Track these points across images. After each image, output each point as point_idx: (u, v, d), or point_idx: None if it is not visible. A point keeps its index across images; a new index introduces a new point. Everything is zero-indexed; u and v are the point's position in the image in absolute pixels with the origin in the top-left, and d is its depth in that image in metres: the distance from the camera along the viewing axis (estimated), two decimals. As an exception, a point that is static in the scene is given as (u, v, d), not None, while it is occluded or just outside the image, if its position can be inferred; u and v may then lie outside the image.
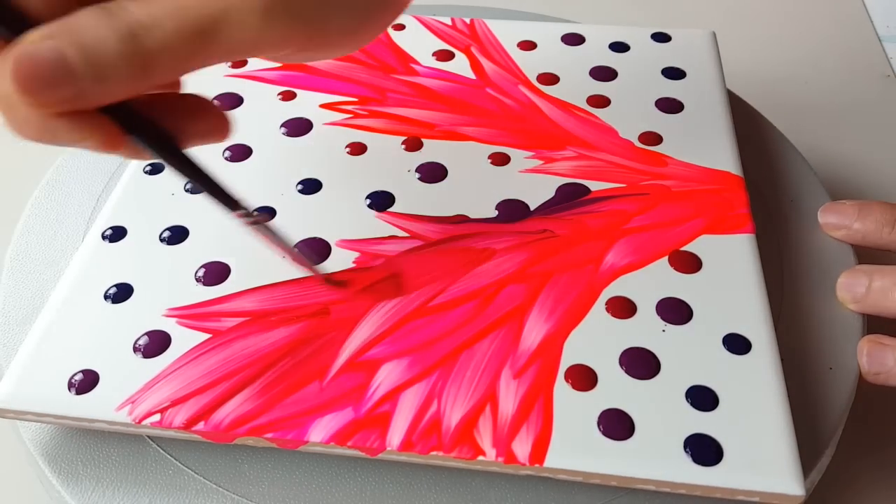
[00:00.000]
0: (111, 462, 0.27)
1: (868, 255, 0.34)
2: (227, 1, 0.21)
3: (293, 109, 0.38)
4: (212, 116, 0.23)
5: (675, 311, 0.29)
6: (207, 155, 0.35)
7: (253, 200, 0.33)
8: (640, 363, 0.27)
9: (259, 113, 0.38)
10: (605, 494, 0.26)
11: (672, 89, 0.38)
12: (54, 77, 0.19)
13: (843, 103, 0.46)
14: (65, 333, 0.28)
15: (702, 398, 0.26)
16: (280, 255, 0.27)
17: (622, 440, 0.25)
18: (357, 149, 0.36)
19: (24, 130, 0.21)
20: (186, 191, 0.34)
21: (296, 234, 0.32)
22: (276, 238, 0.27)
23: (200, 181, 0.24)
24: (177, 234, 0.32)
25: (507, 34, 0.42)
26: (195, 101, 0.23)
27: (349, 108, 0.38)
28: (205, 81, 0.39)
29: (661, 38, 0.42)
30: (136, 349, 0.28)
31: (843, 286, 0.31)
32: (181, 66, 0.21)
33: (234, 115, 0.38)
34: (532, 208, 0.33)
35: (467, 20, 0.43)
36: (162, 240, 0.32)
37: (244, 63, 0.40)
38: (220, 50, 0.21)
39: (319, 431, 0.26)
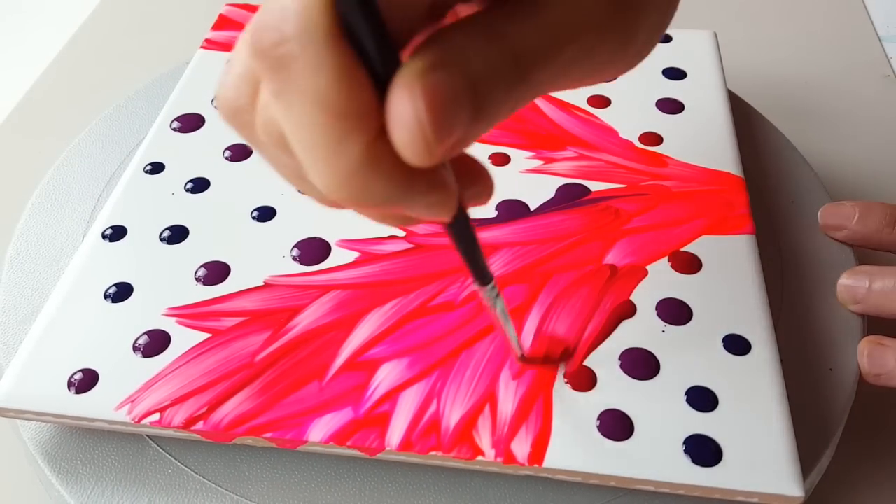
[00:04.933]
0: (111, 461, 0.27)
1: (868, 255, 0.34)
2: (588, 12, 0.18)
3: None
4: (484, 181, 0.20)
5: (675, 312, 0.29)
6: (207, 155, 0.35)
7: (253, 200, 0.33)
8: (640, 363, 0.27)
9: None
10: (604, 495, 0.26)
11: (673, 90, 0.38)
12: (454, 113, 0.16)
13: (843, 103, 0.46)
14: (65, 333, 0.28)
15: (701, 399, 0.26)
16: (504, 330, 0.26)
17: (621, 441, 0.25)
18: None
19: (374, 189, 0.17)
20: (187, 190, 0.34)
21: (296, 234, 0.32)
22: (505, 315, 0.26)
23: (473, 250, 0.22)
24: (177, 234, 0.32)
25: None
26: (473, 163, 0.20)
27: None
28: (205, 81, 0.39)
29: (661, 38, 0.41)
30: (135, 348, 0.28)
31: (844, 287, 0.31)
32: (543, 91, 0.19)
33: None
34: (532, 208, 0.33)
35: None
36: (162, 239, 0.32)
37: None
38: (581, 71, 0.19)
39: (319, 431, 0.26)
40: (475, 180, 0.20)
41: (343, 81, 0.16)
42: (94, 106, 0.44)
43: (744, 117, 0.39)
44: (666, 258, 0.31)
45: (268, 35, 0.16)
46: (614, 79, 0.21)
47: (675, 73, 0.39)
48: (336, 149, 0.16)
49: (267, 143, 0.19)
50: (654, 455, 0.25)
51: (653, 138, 0.36)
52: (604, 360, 0.27)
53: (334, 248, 0.31)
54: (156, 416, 0.26)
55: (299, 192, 0.20)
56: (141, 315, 0.29)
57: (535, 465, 0.25)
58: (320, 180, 0.17)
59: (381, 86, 0.16)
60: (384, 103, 0.16)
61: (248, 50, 0.16)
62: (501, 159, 0.35)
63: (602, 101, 0.38)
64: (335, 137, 0.16)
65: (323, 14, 0.15)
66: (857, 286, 0.31)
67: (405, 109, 0.16)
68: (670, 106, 0.37)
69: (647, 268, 0.30)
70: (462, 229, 0.21)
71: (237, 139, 0.36)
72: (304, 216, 0.33)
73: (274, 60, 0.16)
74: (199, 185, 0.34)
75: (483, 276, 0.23)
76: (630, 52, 0.20)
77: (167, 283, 0.30)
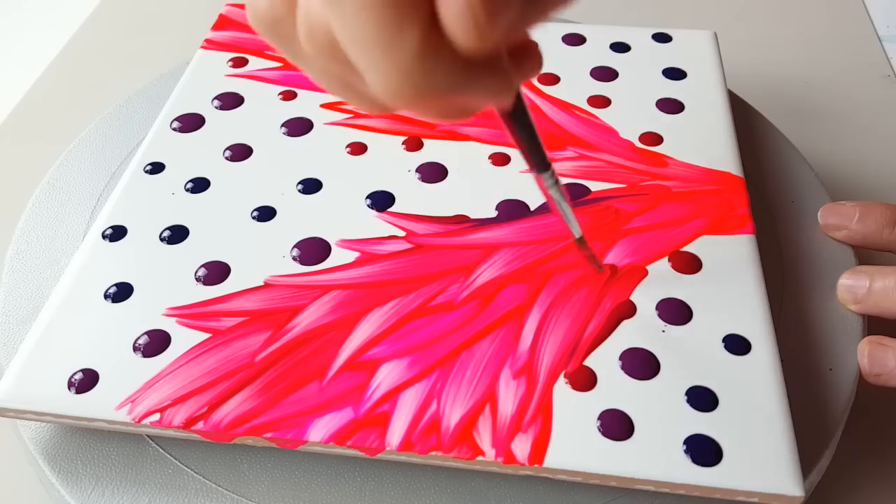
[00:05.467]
0: (111, 461, 0.27)
1: (868, 255, 0.34)
2: None
3: (293, 109, 0.38)
4: (535, 54, 0.19)
5: (675, 312, 0.29)
6: (208, 156, 0.35)
7: (253, 200, 0.33)
8: (640, 363, 0.27)
9: (259, 113, 0.38)
10: (604, 495, 0.26)
11: (673, 90, 0.38)
12: None
13: (843, 103, 0.46)
14: (65, 333, 0.28)
15: (701, 398, 0.26)
16: (564, 213, 0.26)
17: (622, 440, 0.25)
18: (357, 149, 0.36)
19: (436, 79, 0.16)
20: (187, 190, 0.34)
21: (296, 234, 0.32)
22: (563, 198, 0.26)
23: (533, 136, 0.22)
24: (177, 234, 0.32)
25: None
26: (523, 38, 0.19)
27: (350, 107, 0.38)
28: (205, 81, 0.39)
29: (661, 38, 0.42)
30: (135, 348, 0.28)
31: (844, 287, 0.31)
32: None
33: (234, 115, 0.38)
34: (532, 208, 0.33)
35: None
36: (162, 239, 0.32)
37: (245, 63, 0.40)
38: None
39: (319, 431, 0.26)
40: (526, 56, 0.19)
41: None
42: (94, 106, 0.44)
43: (744, 117, 0.39)
44: (666, 258, 0.31)
45: None
46: None
47: (675, 73, 0.39)
48: (394, 40, 0.16)
49: (312, 53, 0.18)
50: (654, 455, 0.25)
51: (653, 138, 0.36)
52: (604, 360, 0.27)
53: (334, 248, 0.31)
54: (156, 416, 0.26)
55: (347, 104, 0.20)
56: (141, 315, 0.29)
57: (536, 465, 0.25)
58: (381, 78, 0.16)
59: None
60: None
61: None
62: (501, 159, 0.35)
63: (602, 101, 0.38)
64: (392, 27, 0.15)
65: None
66: (857, 286, 0.31)
67: None
68: (670, 106, 0.37)
69: (647, 268, 0.30)
70: (521, 113, 0.21)
71: (237, 139, 0.36)
72: (304, 216, 0.33)
73: None
74: (199, 185, 0.34)
75: (543, 163, 0.23)
76: None
77: (167, 283, 0.30)
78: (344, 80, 0.18)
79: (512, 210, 0.33)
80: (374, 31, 0.16)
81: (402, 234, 0.32)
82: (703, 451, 0.25)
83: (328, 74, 0.19)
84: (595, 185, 0.34)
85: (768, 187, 0.36)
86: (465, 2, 0.15)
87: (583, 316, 0.29)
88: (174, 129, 0.37)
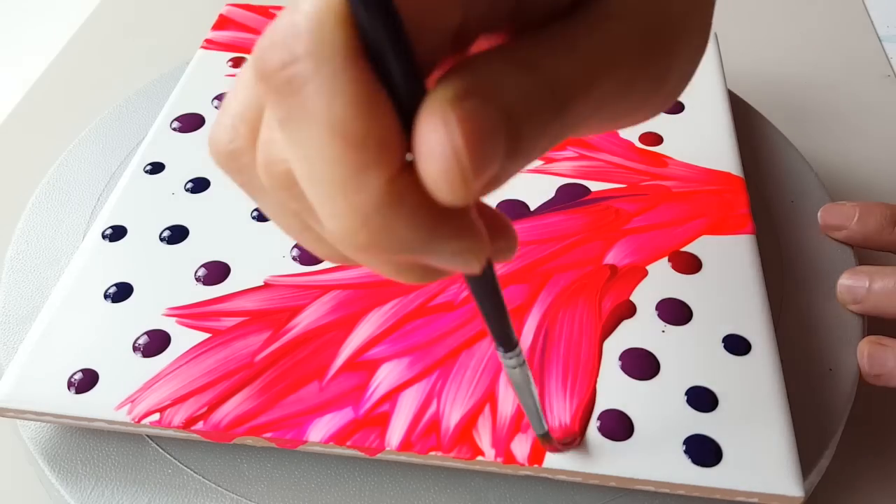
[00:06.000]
0: (111, 461, 0.27)
1: (868, 255, 0.34)
2: (622, 46, 0.17)
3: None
4: (509, 235, 0.18)
5: (675, 312, 0.29)
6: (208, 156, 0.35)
7: (253, 201, 0.33)
8: (640, 364, 0.27)
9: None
10: (604, 495, 0.26)
11: (672, 89, 0.38)
12: (491, 147, 0.14)
13: (843, 103, 0.46)
14: (64, 333, 0.28)
15: (701, 399, 0.26)
16: (526, 403, 0.23)
17: (621, 440, 0.25)
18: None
19: (395, 232, 0.15)
20: (187, 190, 0.34)
21: (296, 234, 0.32)
22: (530, 387, 0.23)
23: (498, 311, 0.20)
24: (177, 234, 0.32)
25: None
26: (497, 216, 0.18)
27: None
28: (205, 81, 0.39)
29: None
30: (135, 348, 0.28)
31: (844, 287, 0.31)
32: (576, 132, 0.17)
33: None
34: (532, 208, 0.33)
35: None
36: (162, 239, 0.32)
37: (245, 62, 0.40)
38: (617, 108, 0.18)
39: (318, 431, 0.26)
40: (500, 234, 0.18)
41: (362, 106, 0.14)
42: (94, 106, 0.44)
43: (744, 117, 0.39)
44: (666, 258, 0.31)
45: (276, 54, 0.14)
46: (645, 120, 0.20)
47: (675, 73, 0.39)
48: (354, 183, 0.14)
49: (269, 187, 0.17)
50: (654, 455, 0.25)
51: (653, 138, 0.36)
52: (604, 360, 0.27)
53: (334, 248, 0.31)
54: (156, 416, 0.26)
55: (307, 249, 0.18)
56: (141, 315, 0.29)
57: (535, 465, 0.25)
58: (335, 222, 0.15)
59: (404, 115, 0.14)
60: (410, 134, 0.14)
61: (253, 73, 0.15)
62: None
63: (602, 101, 0.38)
64: (353, 169, 0.14)
65: (340, 29, 0.14)
66: (857, 286, 0.31)
67: (439, 138, 0.14)
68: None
69: (647, 268, 0.30)
70: (489, 285, 0.19)
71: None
72: (304, 216, 0.33)
73: (283, 83, 0.14)
74: (199, 185, 0.34)
75: (508, 341, 0.21)
76: (663, 91, 0.19)
77: (167, 283, 0.30)
78: (301, 220, 0.17)
79: (512, 210, 0.33)
80: (332, 170, 0.14)
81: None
82: (703, 451, 0.25)
83: (285, 212, 0.18)
84: (595, 185, 0.34)
85: (768, 187, 0.36)
86: (450, 148, 0.14)
87: (583, 317, 0.29)
88: (174, 129, 0.37)
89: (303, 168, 0.15)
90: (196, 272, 0.31)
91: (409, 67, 0.14)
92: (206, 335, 0.28)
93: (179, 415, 0.26)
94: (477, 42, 0.17)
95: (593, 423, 0.26)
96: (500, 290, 0.19)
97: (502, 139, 0.14)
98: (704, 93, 0.38)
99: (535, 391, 0.23)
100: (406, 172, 0.14)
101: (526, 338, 0.28)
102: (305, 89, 0.14)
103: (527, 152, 0.15)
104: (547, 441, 0.24)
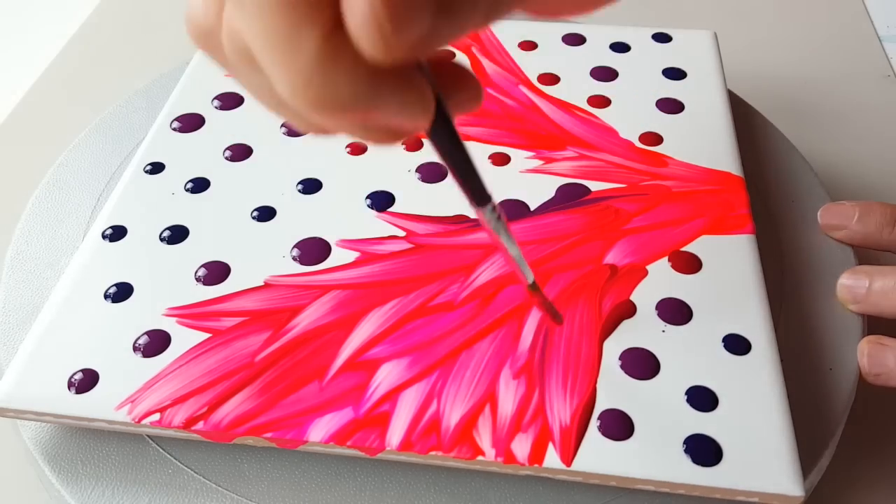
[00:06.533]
0: (111, 461, 0.27)
1: (868, 255, 0.34)
2: None
3: (293, 109, 0.38)
4: (471, 86, 0.19)
5: (675, 312, 0.29)
6: (208, 156, 0.35)
7: (253, 200, 0.33)
8: (640, 363, 0.27)
9: (259, 113, 0.37)
10: (604, 495, 0.26)
11: (673, 90, 0.38)
12: (415, 4, 0.14)
13: (843, 103, 0.46)
14: (65, 333, 0.28)
15: (701, 398, 0.26)
16: (507, 254, 0.23)
17: (622, 440, 0.25)
18: (357, 149, 0.36)
19: (337, 87, 0.15)
20: (187, 190, 0.34)
21: (296, 234, 0.32)
22: (509, 238, 0.23)
23: (464, 164, 0.20)
24: (177, 234, 0.32)
25: (507, 34, 0.42)
26: (457, 69, 0.19)
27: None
28: (205, 81, 0.39)
29: (661, 38, 0.42)
30: (135, 348, 0.28)
31: (844, 287, 0.31)
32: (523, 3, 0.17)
33: (234, 115, 0.38)
34: (532, 208, 0.33)
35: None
36: (162, 239, 0.32)
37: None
38: None
39: (319, 431, 0.26)
40: (460, 86, 0.18)
41: None
42: (94, 106, 0.44)
43: (744, 117, 0.39)
44: (666, 258, 0.31)
45: None
46: (592, 11, 0.20)
47: (675, 73, 0.39)
48: (291, 43, 0.15)
49: (234, 62, 0.17)
50: (654, 455, 0.25)
51: (653, 138, 0.36)
52: (604, 360, 0.27)
53: (334, 248, 0.31)
54: (156, 416, 0.26)
55: (281, 118, 0.19)
56: (141, 315, 0.29)
57: (535, 465, 0.25)
58: (282, 84, 0.16)
59: None
60: None
61: None
62: (501, 159, 0.35)
63: (602, 101, 0.38)
64: (288, 30, 0.15)
65: None
66: (857, 286, 0.31)
67: None
68: (670, 106, 0.37)
69: (647, 268, 0.30)
70: (447, 138, 0.19)
71: (237, 139, 0.36)
72: (304, 216, 0.33)
73: None
74: (199, 185, 0.34)
75: (480, 195, 0.21)
76: None
77: (167, 283, 0.30)
78: (268, 90, 0.17)
79: (512, 210, 0.33)
80: (271, 32, 0.15)
81: (402, 234, 0.32)
82: (703, 450, 0.25)
83: (254, 85, 0.18)
84: (595, 185, 0.34)
85: (768, 187, 0.36)
86: (369, 8, 0.14)
87: (583, 317, 0.29)
88: (174, 129, 0.37)
89: (248, 35, 0.16)
90: (196, 272, 0.31)
91: None
92: (207, 335, 0.28)
93: (179, 415, 0.26)
94: None
95: (593, 423, 0.26)
96: (464, 145, 0.19)
97: (421, 5, 0.14)
98: (704, 93, 0.38)
99: (514, 240, 0.23)
100: (341, 30, 0.15)
101: (526, 338, 0.28)
102: None
103: (459, 12, 0.15)
104: (535, 291, 0.25)
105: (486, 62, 0.40)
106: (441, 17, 0.15)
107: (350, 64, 0.15)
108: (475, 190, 0.21)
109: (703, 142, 0.35)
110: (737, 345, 0.28)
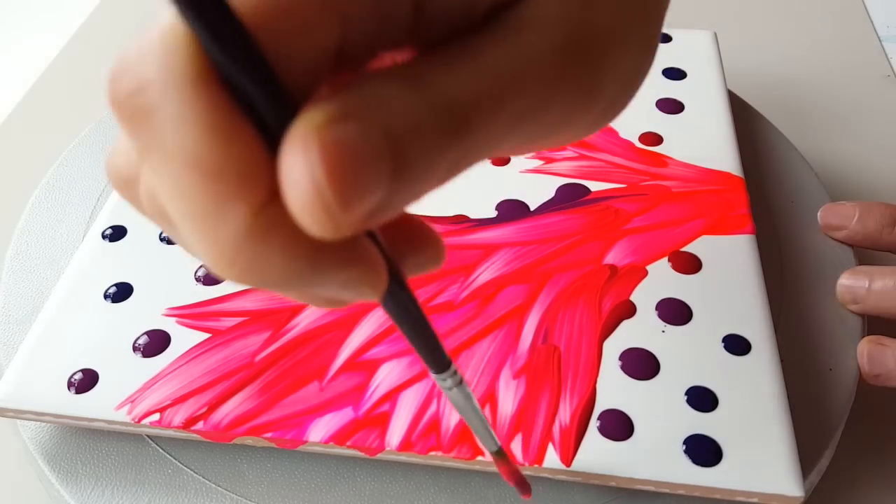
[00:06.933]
0: (110, 461, 0.27)
1: (868, 255, 0.34)
2: (537, 57, 0.15)
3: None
4: (430, 245, 0.17)
5: (675, 312, 0.29)
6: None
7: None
8: (640, 363, 0.27)
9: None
10: (604, 495, 0.26)
11: (673, 90, 0.38)
12: (367, 175, 0.13)
13: (843, 103, 0.46)
14: (64, 333, 0.28)
15: (701, 399, 0.26)
16: (472, 424, 0.21)
17: (621, 440, 0.25)
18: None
19: (268, 267, 0.13)
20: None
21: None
22: (472, 405, 0.21)
23: (419, 332, 0.18)
24: (177, 234, 0.32)
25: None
26: (413, 224, 0.17)
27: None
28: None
29: (661, 38, 0.41)
30: (135, 348, 0.28)
31: (844, 287, 0.31)
32: (488, 154, 0.16)
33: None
34: (532, 208, 0.33)
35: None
36: (162, 239, 0.32)
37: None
38: (534, 129, 0.16)
39: (318, 431, 0.26)
40: (420, 246, 0.16)
41: (216, 135, 0.13)
42: (94, 106, 0.44)
43: (744, 117, 0.39)
44: (666, 258, 0.31)
45: (125, 80, 0.13)
46: (581, 138, 0.19)
47: (675, 73, 0.39)
48: (214, 218, 0.13)
49: (153, 220, 0.16)
50: (654, 455, 0.25)
51: (653, 138, 0.36)
52: (604, 360, 0.27)
53: (334, 248, 0.31)
54: (156, 416, 0.26)
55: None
56: (141, 315, 0.29)
57: (536, 465, 0.25)
58: (206, 258, 0.14)
59: (274, 142, 0.13)
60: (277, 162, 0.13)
61: (107, 99, 0.14)
62: (501, 159, 0.35)
63: (602, 101, 0.38)
64: (211, 204, 0.13)
65: (187, 53, 0.13)
66: (857, 286, 0.31)
67: (299, 168, 0.12)
68: (670, 106, 0.37)
69: (647, 268, 0.30)
70: (402, 307, 0.17)
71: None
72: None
73: (133, 111, 0.13)
74: (199, 185, 0.34)
75: (438, 362, 0.19)
76: (593, 109, 0.17)
77: (167, 283, 0.30)
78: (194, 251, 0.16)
79: (512, 210, 0.33)
80: (191, 205, 0.13)
81: (402, 234, 0.32)
82: (703, 451, 0.25)
83: (177, 240, 0.16)
84: (595, 185, 0.34)
85: (768, 187, 0.36)
86: (309, 180, 0.12)
87: (583, 317, 0.29)
88: (174, 129, 0.37)
89: (165, 202, 0.14)
90: (196, 272, 0.31)
91: (270, 92, 0.13)
92: (206, 335, 0.28)
93: (179, 415, 0.26)
94: (378, 60, 0.15)
95: (593, 423, 0.26)
96: (421, 310, 0.17)
97: (382, 166, 0.13)
98: (704, 93, 0.38)
99: (479, 408, 0.21)
100: (277, 202, 0.13)
101: (526, 338, 0.28)
102: (155, 118, 0.13)
103: (421, 178, 0.14)
104: (500, 458, 0.22)
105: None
106: (395, 185, 0.13)
107: (284, 240, 0.13)
108: (432, 356, 0.19)
109: (703, 142, 0.35)
110: (737, 345, 0.28)
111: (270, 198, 0.13)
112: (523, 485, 0.24)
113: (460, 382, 0.20)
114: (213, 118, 0.13)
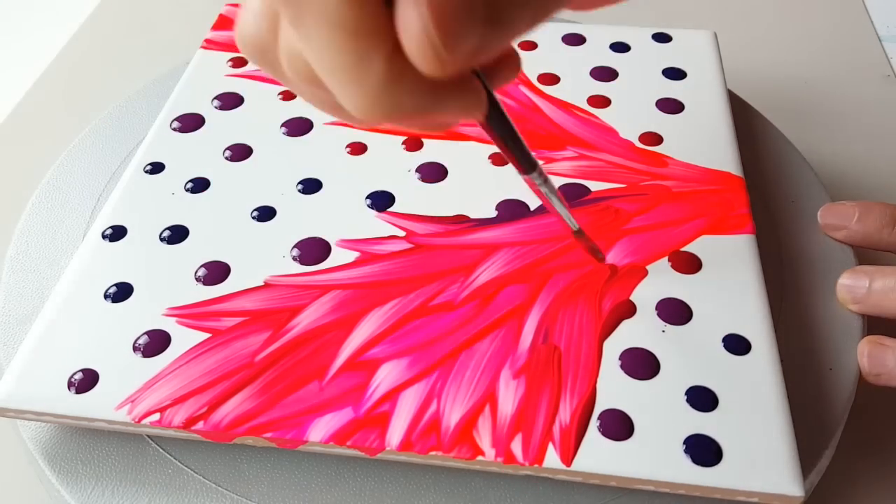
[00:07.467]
0: (111, 461, 0.27)
1: (868, 255, 0.34)
2: None
3: (293, 109, 0.38)
4: (511, 59, 0.20)
5: (675, 312, 0.29)
6: (208, 156, 0.35)
7: (253, 200, 0.33)
8: (640, 363, 0.27)
9: (259, 113, 0.38)
10: (604, 495, 0.26)
11: (673, 90, 0.38)
12: (465, 22, 0.16)
13: (843, 103, 0.46)
14: (65, 332, 0.28)
15: (701, 398, 0.26)
16: (559, 209, 0.26)
17: (621, 440, 0.25)
18: (357, 149, 0.36)
19: (403, 102, 0.17)
20: (187, 190, 0.34)
21: (296, 234, 0.32)
22: (555, 196, 0.26)
23: (514, 140, 0.22)
24: (177, 234, 0.32)
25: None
26: (506, 50, 0.20)
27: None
28: (205, 81, 0.39)
29: (661, 38, 0.42)
30: (135, 348, 0.28)
31: (844, 287, 0.31)
32: (562, 7, 0.18)
33: (234, 115, 0.38)
34: (532, 208, 0.33)
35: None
36: (162, 239, 0.32)
37: (245, 62, 0.40)
38: None
39: (319, 431, 0.26)
40: (503, 62, 0.20)
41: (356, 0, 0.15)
42: (94, 106, 0.44)
43: (744, 117, 0.39)
44: (666, 258, 0.31)
45: None
46: None
47: (675, 73, 0.39)
48: (359, 68, 0.16)
49: (295, 80, 0.19)
50: (654, 455, 0.25)
51: (653, 138, 0.36)
52: (604, 360, 0.27)
53: (334, 248, 0.31)
54: (156, 416, 0.26)
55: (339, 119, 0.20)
56: (141, 315, 0.29)
57: (536, 465, 0.25)
58: (351, 104, 0.17)
59: (390, 2, 0.16)
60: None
61: None
62: (501, 159, 0.35)
63: (602, 101, 0.38)
64: (356, 57, 0.16)
65: None
66: (857, 286, 0.31)
67: (411, 21, 0.15)
68: (670, 106, 0.37)
69: (647, 268, 0.30)
70: (498, 122, 0.21)
71: (237, 139, 0.36)
72: (304, 216, 0.33)
73: None
74: (199, 185, 0.34)
75: (528, 163, 0.23)
76: None
77: (167, 283, 0.30)
78: (329, 102, 0.19)
79: (512, 210, 0.33)
80: (340, 61, 0.16)
81: (402, 234, 0.32)
82: (703, 451, 0.25)
83: (313, 98, 0.20)
84: (595, 185, 0.34)
85: (768, 187, 0.36)
86: (420, 29, 0.15)
87: (583, 317, 0.29)
88: (174, 129, 0.37)
89: (315, 62, 0.17)
90: (196, 272, 0.31)
91: None
92: (206, 335, 0.28)
93: (179, 415, 0.26)
94: None
95: (593, 423, 0.26)
96: (511, 121, 0.21)
97: (478, 13, 0.16)
98: (704, 93, 0.38)
99: (561, 198, 0.26)
100: (401, 51, 0.16)
101: (526, 338, 0.28)
102: None
103: (508, 24, 0.16)
104: (581, 237, 0.28)
105: (486, 62, 0.40)
106: (490, 28, 0.16)
107: (412, 79, 0.16)
108: (524, 159, 0.23)
109: (703, 142, 0.35)
110: (737, 345, 0.28)
111: (396, 46, 0.16)
112: (598, 254, 0.30)
113: (547, 178, 0.25)
114: None
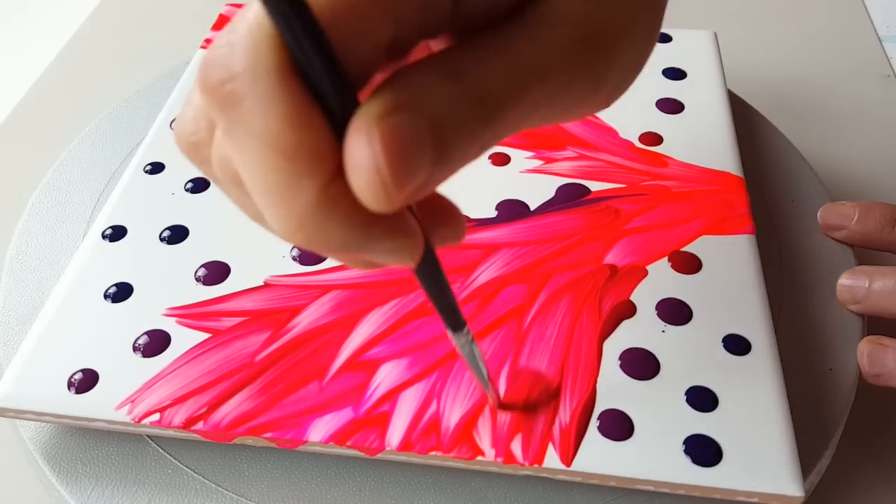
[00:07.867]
0: (111, 461, 0.27)
1: (868, 255, 0.34)
2: (557, 51, 0.17)
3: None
4: (455, 221, 0.19)
5: (675, 312, 0.29)
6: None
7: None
8: (640, 363, 0.27)
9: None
10: (604, 495, 0.26)
11: (673, 90, 0.38)
12: (416, 158, 0.15)
13: (843, 103, 0.46)
14: (65, 332, 0.28)
15: (701, 399, 0.26)
16: (477, 378, 0.25)
17: (621, 440, 0.25)
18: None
19: (330, 234, 0.16)
20: (187, 190, 0.34)
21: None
22: (479, 362, 0.24)
23: (444, 295, 0.21)
24: (177, 234, 0.32)
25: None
26: (444, 202, 0.19)
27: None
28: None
29: (661, 38, 0.42)
30: (135, 348, 0.28)
31: (844, 287, 0.31)
32: (513, 132, 0.18)
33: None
34: (532, 208, 0.33)
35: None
36: (162, 239, 0.32)
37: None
38: (550, 111, 0.18)
39: (318, 431, 0.26)
40: (445, 221, 0.19)
41: (294, 121, 0.15)
42: (94, 106, 0.44)
43: (744, 117, 0.39)
44: (666, 258, 0.31)
45: (216, 71, 0.15)
46: (584, 117, 0.21)
47: (675, 73, 0.39)
48: (288, 191, 0.15)
49: (223, 183, 0.18)
50: (654, 455, 0.25)
51: (653, 138, 0.36)
52: (604, 360, 0.27)
53: (334, 248, 0.31)
54: (156, 416, 0.26)
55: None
56: (141, 315, 0.29)
57: (535, 465, 0.25)
58: (276, 224, 0.16)
59: (338, 127, 0.15)
60: (342, 145, 0.15)
61: (198, 86, 0.16)
62: (501, 159, 0.35)
63: (602, 101, 0.38)
64: (287, 179, 0.15)
65: (272, 50, 0.15)
66: (857, 286, 0.31)
67: (362, 154, 0.15)
68: (670, 106, 0.37)
69: (647, 268, 0.30)
70: (430, 273, 0.20)
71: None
72: (304, 216, 0.33)
73: (222, 97, 0.15)
74: (199, 185, 0.34)
75: (455, 322, 0.22)
76: (602, 93, 0.20)
77: (167, 283, 0.30)
78: (257, 213, 0.18)
79: (512, 210, 0.33)
80: (269, 179, 0.16)
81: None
82: (703, 451, 0.25)
83: (241, 204, 0.19)
84: (595, 185, 0.34)
85: (768, 187, 0.36)
86: (371, 163, 0.15)
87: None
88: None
89: (245, 174, 0.16)
90: (196, 272, 0.31)
91: (338, 83, 0.15)
92: (206, 335, 0.28)
93: (179, 415, 0.26)
94: (419, 47, 0.18)
95: (593, 423, 0.26)
96: (444, 276, 0.20)
97: (427, 151, 0.15)
98: (704, 93, 0.38)
99: (484, 364, 0.24)
100: (339, 180, 0.15)
101: (525, 338, 0.28)
102: (242, 104, 0.15)
103: (455, 160, 0.16)
104: (505, 408, 0.26)
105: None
106: (437, 165, 0.16)
107: (345, 212, 0.16)
108: (451, 317, 0.22)
109: (703, 142, 0.35)
110: (737, 345, 0.28)
111: (334, 175, 0.15)
112: (505, 408, 0.26)
113: (472, 340, 0.23)
114: (293, 106, 0.15)
